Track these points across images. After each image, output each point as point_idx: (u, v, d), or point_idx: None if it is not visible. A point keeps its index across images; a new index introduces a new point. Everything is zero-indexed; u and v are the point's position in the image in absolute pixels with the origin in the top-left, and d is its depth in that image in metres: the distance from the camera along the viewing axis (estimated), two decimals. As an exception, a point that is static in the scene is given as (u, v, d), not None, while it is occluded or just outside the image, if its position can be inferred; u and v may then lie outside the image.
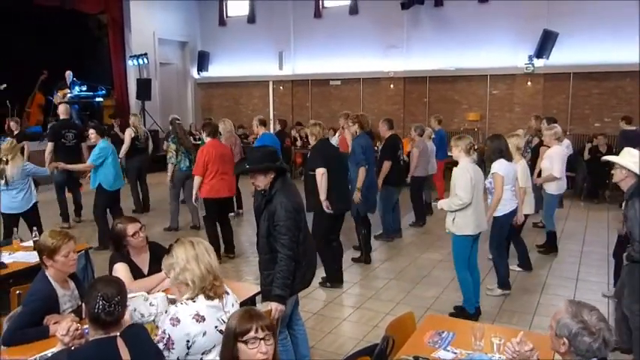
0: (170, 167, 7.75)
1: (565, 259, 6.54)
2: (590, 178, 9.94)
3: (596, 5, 10.78)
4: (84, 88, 14.03)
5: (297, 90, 15.29)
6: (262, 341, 2.08)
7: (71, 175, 8.02)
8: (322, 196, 5.40)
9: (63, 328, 2.43)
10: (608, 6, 10.63)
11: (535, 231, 7.47)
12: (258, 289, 3.59)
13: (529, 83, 11.88)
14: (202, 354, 2.48)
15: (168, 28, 15.73)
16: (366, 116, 6.88)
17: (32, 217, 5.93)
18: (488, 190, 5.21)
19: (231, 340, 2.08)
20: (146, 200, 9.35)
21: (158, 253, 3.60)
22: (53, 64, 13.36)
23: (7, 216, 5.88)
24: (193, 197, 6.75)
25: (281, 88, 15.47)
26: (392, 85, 13.57)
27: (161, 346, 2.39)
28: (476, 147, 5.00)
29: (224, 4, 16.16)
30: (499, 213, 5.24)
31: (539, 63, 11.57)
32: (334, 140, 8.51)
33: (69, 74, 13.53)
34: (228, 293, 2.66)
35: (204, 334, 2.46)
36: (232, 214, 8.52)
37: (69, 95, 13.42)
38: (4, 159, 5.81)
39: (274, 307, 3.16)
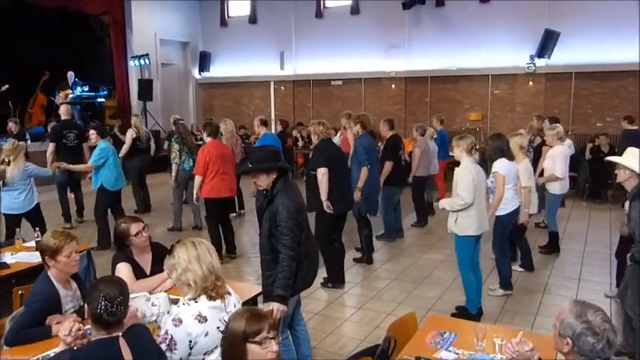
0: (174, 167, 7.75)
1: (567, 260, 6.53)
2: (592, 178, 9.92)
3: (597, 5, 10.76)
4: (86, 88, 14.06)
5: (299, 90, 15.29)
6: (273, 340, 2.10)
7: (73, 176, 8.04)
8: (323, 196, 5.40)
9: (65, 328, 2.43)
10: (609, 6, 10.61)
11: (537, 231, 7.46)
12: (259, 289, 3.59)
13: (531, 83, 11.87)
14: (204, 354, 2.48)
15: (169, 29, 15.75)
16: (367, 116, 6.88)
17: (35, 218, 5.95)
18: (490, 189, 5.21)
19: (240, 341, 2.06)
20: (147, 200, 9.35)
21: (160, 254, 3.61)
22: (55, 64, 13.40)
23: (10, 216, 5.89)
24: (194, 197, 6.76)
25: (282, 88, 15.47)
26: (393, 85, 13.57)
27: (164, 346, 2.40)
28: (477, 147, 4.99)
29: (225, 4, 16.17)
30: (501, 212, 5.24)
31: (540, 63, 11.56)
32: (336, 140, 8.50)
33: (71, 75, 13.55)
34: (230, 294, 2.67)
35: (207, 334, 2.46)
36: (234, 214, 8.54)
37: (71, 96, 13.45)
38: (6, 160, 5.82)
39: (276, 308, 3.16)
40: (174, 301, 2.85)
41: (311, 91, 15.04)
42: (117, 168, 7.01)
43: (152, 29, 15.21)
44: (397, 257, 6.77)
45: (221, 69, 16.50)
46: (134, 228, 3.45)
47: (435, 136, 9.04)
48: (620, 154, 4.18)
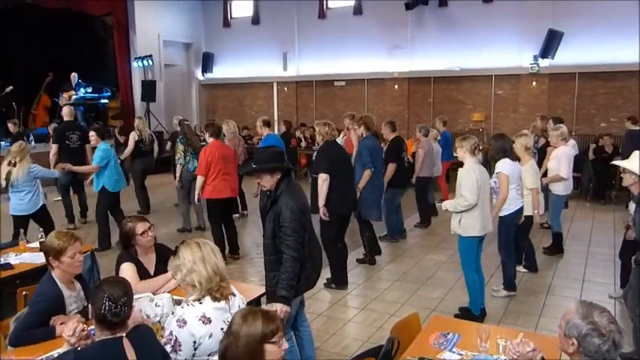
0: (178, 168, 7.77)
1: (571, 260, 6.51)
2: (596, 179, 9.90)
3: (601, 5, 10.73)
4: (89, 89, 14.10)
5: (302, 91, 15.29)
6: (283, 338, 2.11)
7: (76, 177, 8.06)
8: (321, 202, 5.36)
9: (69, 328, 2.44)
10: (613, 5, 10.59)
11: (541, 232, 7.44)
12: (262, 290, 3.60)
13: (534, 83, 11.85)
14: (208, 355, 2.48)
15: (172, 30, 15.78)
16: (370, 117, 6.87)
17: (42, 219, 6.01)
18: (493, 189, 5.20)
19: (259, 343, 2.05)
20: (146, 201, 9.37)
21: (164, 255, 3.61)
22: (59, 66, 13.45)
23: (18, 218, 5.98)
24: (196, 197, 6.77)
25: (285, 89, 15.48)
26: (396, 86, 13.56)
27: (169, 348, 2.40)
28: (481, 147, 4.97)
29: (228, 5, 16.19)
30: (504, 212, 5.22)
31: (544, 63, 11.53)
32: (339, 141, 8.49)
33: (74, 76, 13.59)
34: (234, 295, 2.67)
35: (211, 335, 2.46)
36: (237, 215, 8.55)
37: (74, 97, 13.48)
38: (12, 161, 5.88)
39: (279, 308, 3.16)
40: (178, 302, 2.85)
41: (314, 91, 15.04)
42: (117, 169, 7.05)
43: (155, 30, 15.25)
44: (400, 258, 6.76)
45: (224, 70, 16.52)
46: (140, 227, 3.47)
47: (439, 138, 9.03)
48: (624, 154, 4.17)
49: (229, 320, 2.44)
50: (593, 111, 11.49)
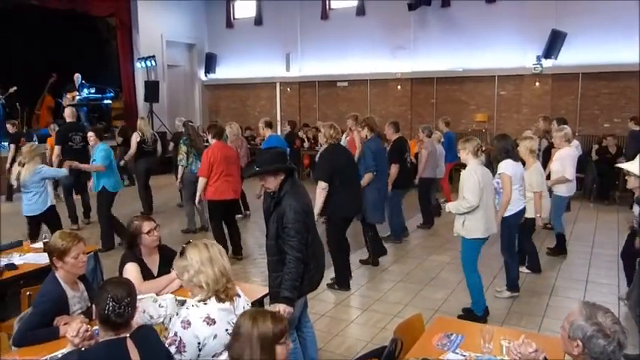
0: (180, 169, 7.78)
1: (574, 261, 6.50)
2: (599, 180, 9.87)
3: (604, 5, 10.71)
4: (92, 90, 14.14)
5: (305, 91, 15.30)
6: (289, 338, 2.13)
7: (79, 178, 8.08)
8: (316, 210, 5.23)
9: (73, 329, 2.45)
10: (616, 5, 10.56)
11: (544, 233, 7.42)
12: (266, 290, 3.60)
13: (537, 84, 11.82)
14: (213, 356, 2.48)
15: (175, 31, 15.81)
16: (373, 118, 6.88)
17: (50, 219, 6.07)
18: (496, 190, 5.19)
19: (271, 343, 2.06)
20: (150, 201, 9.39)
21: (168, 255, 3.64)
22: (62, 66, 13.49)
23: (30, 218, 6.10)
24: (197, 199, 6.78)
25: (288, 89, 15.49)
26: (399, 87, 13.55)
27: (173, 348, 2.40)
28: (483, 148, 4.97)
29: (231, 6, 16.22)
30: (507, 213, 5.20)
31: (547, 63, 11.51)
32: (342, 142, 8.49)
33: (77, 77, 13.64)
34: (239, 296, 2.67)
35: (215, 337, 2.46)
36: (240, 215, 8.55)
37: (78, 98, 13.53)
38: (22, 162, 5.96)
39: (282, 309, 3.15)
40: (182, 303, 2.85)
41: (317, 92, 15.05)
42: (115, 170, 7.13)
43: (158, 31, 15.28)
44: (403, 259, 6.75)
45: (227, 70, 16.54)
46: (146, 226, 3.49)
47: (442, 139, 9.01)
48: (627, 155, 4.16)
49: (234, 322, 2.44)
50: (596, 111, 11.46)
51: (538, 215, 5.59)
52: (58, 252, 3.04)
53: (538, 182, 5.60)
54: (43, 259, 3.97)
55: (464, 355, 2.72)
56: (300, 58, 14.97)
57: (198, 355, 2.44)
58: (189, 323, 2.43)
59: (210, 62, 16.57)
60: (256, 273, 6.24)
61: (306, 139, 12.89)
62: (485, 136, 12.04)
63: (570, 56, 11.17)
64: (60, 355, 2.53)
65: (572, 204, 8.66)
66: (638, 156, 4.03)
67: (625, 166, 4.12)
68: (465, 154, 4.74)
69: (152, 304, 2.81)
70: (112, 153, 7.08)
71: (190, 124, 8.27)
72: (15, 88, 12.39)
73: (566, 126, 7.03)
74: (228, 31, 16.23)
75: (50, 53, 13.54)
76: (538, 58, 11.51)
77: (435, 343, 2.85)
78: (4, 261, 4.27)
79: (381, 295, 5.50)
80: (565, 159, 6.41)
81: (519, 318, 4.90)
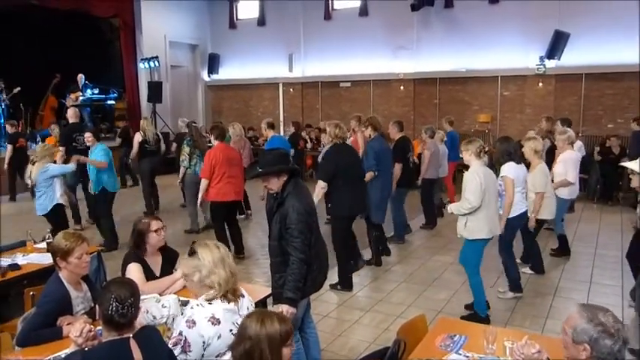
0: (182, 170, 7.79)
1: (578, 262, 6.48)
2: (603, 180, 9.84)
3: (607, 5, 10.68)
4: (96, 91, 14.18)
5: (307, 92, 15.31)
6: (293, 339, 2.13)
7: (82, 179, 8.09)
8: (316, 199, 5.20)
9: (76, 329, 2.45)
10: (619, 6, 10.54)
11: (547, 234, 7.41)
12: (269, 291, 3.60)
13: (540, 84, 11.80)
14: (216, 356, 2.48)
15: (178, 31, 15.84)
16: (376, 117, 6.87)
17: (53, 219, 6.12)
18: (499, 193, 5.18)
19: (279, 345, 2.05)
20: (156, 201, 9.43)
21: (170, 256, 3.65)
22: (66, 67, 13.54)
23: (44, 216, 6.18)
24: (199, 200, 6.78)
25: (291, 90, 15.50)
26: (402, 87, 13.55)
27: (178, 348, 2.40)
28: (487, 149, 4.96)
29: (234, 6, 16.24)
30: (509, 215, 5.20)
31: (550, 64, 11.49)
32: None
33: (81, 77, 13.67)
34: (243, 296, 2.68)
35: (219, 336, 2.47)
36: (242, 216, 8.56)
37: (81, 98, 13.56)
38: (33, 161, 6.07)
39: (285, 310, 3.15)
40: (184, 303, 2.86)
41: (319, 92, 15.05)
42: (114, 170, 7.16)
43: (161, 32, 15.31)
44: (406, 259, 6.75)
45: (230, 71, 16.56)
46: (155, 224, 3.52)
47: (446, 139, 9.01)
48: (631, 155, 4.14)
49: (238, 322, 2.44)
50: (600, 112, 11.43)
51: (533, 215, 5.57)
52: (61, 252, 3.05)
53: (541, 183, 5.59)
54: (47, 259, 3.99)
55: (467, 356, 2.71)
56: (302, 58, 14.98)
57: (202, 355, 2.45)
58: (194, 322, 2.44)
59: (213, 63, 16.59)
60: (259, 274, 6.24)
61: (308, 140, 12.89)
62: (488, 136, 12.03)
63: (573, 57, 11.15)
64: (63, 356, 2.53)
65: (575, 205, 8.66)
66: None
67: (629, 164, 4.10)
68: (467, 156, 4.73)
69: (155, 305, 2.81)
70: (111, 153, 7.11)
71: (194, 124, 8.28)
72: (19, 88, 12.44)
73: (569, 129, 7.02)
74: (231, 31, 16.26)
75: (54, 54, 13.59)
76: (541, 58, 11.49)
77: (438, 344, 2.85)
78: (8, 261, 4.28)
79: (384, 296, 5.50)
80: (567, 162, 6.39)
81: (523, 319, 4.88)
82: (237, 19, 16.32)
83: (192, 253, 2.60)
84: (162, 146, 9.49)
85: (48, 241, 4.52)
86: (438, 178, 8.50)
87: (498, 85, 12.41)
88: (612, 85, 11.20)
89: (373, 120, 6.64)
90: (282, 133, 12.70)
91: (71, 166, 6.59)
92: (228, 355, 2.46)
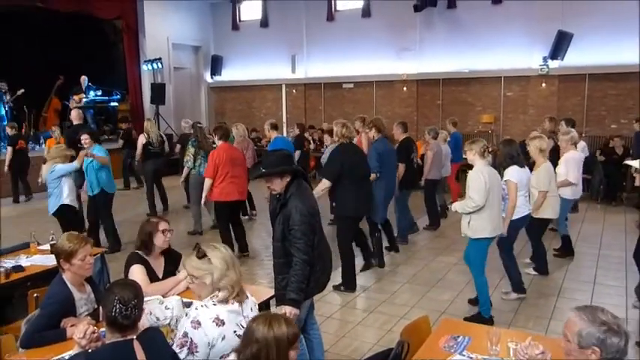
0: (185, 170, 7.81)
1: (582, 263, 6.46)
2: (606, 181, 9.81)
3: (610, 6, 10.65)
4: (99, 92, 14.23)
5: (310, 93, 15.31)
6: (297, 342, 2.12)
7: (84, 179, 8.11)
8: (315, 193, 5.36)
9: (80, 330, 2.45)
10: (622, 6, 10.50)
11: (550, 235, 7.39)
12: (272, 292, 3.59)
13: (543, 85, 11.77)
14: (220, 358, 2.48)
15: (181, 33, 15.88)
16: (380, 119, 6.89)
17: (60, 220, 6.22)
18: (502, 196, 5.16)
19: (287, 347, 2.06)
20: (164, 201, 9.44)
21: (173, 257, 3.65)
22: (69, 69, 13.59)
23: (55, 216, 6.29)
24: (203, 200, 6.80)
25: (294, 91, 15.51)
26: (405, 88, 13.53)
27: (185, 350, 2.40)
28: (490, 149, 4.96)
29: (237, 8, 16.25)
30: (512, 218, 5.19)
31: (553, 64, 11.46)
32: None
33: (84, 79, 13.72)
34: (247, 297, 2.68)
35: (223, 338, 2.47)
36: (246, 217, 8.56)
37: (84, 100, 13.61)
38: (45, 160, 6.18)
39: (288, 311, 3.15)
40: (187, 305, 2.86)
41: (322, 94, 15.05)
42: (111, 171, 7.15)
43: (165, 33, 15.34)
44: (409, 260, 6.74)
45: (233, 72, 16.58)
46: (162, 224, 3.54)
47: (449, 139, 9.01)
48: (634, 156, 4.13)
49: (242, 323, 2.44)
50: (603, 112, 11.39)
51: (532, 213, 5.56)
52: (65, 254, 3.06)
53: (545, 182, 5.58)
54: (50, 260, 4.00)
55: (471, 358, 2.70)
56: (305, 59, 14.99)
57: (207, 356, 2.45)
58: (199, 323, 2.44)
59: (216, 64, 16.62)
60: (262, 275, 6.24)
61: (311, 141, 12.88)
62: (492, 137, 12.00)
63: (577, 57, 11.12)
64: (67, 357, 2.54)
65: (579, 205, 8.64)
66: None
67: (633, 163, 4.09)
68: (471, 156, 4.74)
69: (158, 306, 2.81)
70: (108, 153, 7.12)
71: (199, 125, 8.30)
72: (22, 90, 12.48)
73: (572, 129, 7.00)
74: (234, 33, 16.28)
75: (57, 56, 13.63)
76: (544, 59, 11.46)
77: (442, 345, 2.84)
78: (12, 263, 4.29)
79: (387, 297, 5.49)
80: (569, 162, 6.37)
81: (526, 320, 4.87)
82: (239, 20, 16.34)
83: (202, 256, 2.60)
84: (166, 148, 9.51)
85: (51, 242, 4.53)
86: (441, 178, 8.50)
87: (501, 86, 12.38)
88: (615, 86, 11.16)
89: (377, 122, 6.65)
90: (285, 134, 12.69)
91: (75, 165, 6.62)
92: (232, 356, 2.46)
